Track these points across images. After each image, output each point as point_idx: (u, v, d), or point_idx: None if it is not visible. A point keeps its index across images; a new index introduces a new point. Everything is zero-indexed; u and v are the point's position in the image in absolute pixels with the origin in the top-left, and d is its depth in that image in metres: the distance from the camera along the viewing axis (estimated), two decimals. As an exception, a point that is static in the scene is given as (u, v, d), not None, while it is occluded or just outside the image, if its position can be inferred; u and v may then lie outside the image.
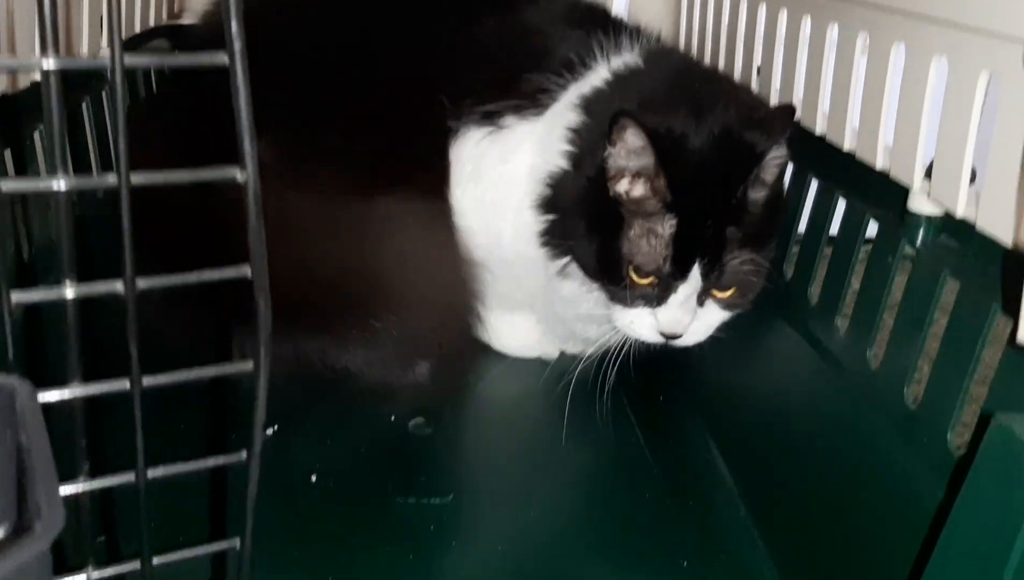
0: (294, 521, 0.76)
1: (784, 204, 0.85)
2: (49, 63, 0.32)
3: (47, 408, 0.36)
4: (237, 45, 0.34)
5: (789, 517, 0.75)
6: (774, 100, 0.91)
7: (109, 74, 0.34)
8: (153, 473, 0.40)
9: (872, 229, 0.72)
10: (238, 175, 0.36)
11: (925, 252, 0.64)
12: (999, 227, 0.56)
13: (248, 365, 0.39)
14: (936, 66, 0.62)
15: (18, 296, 0.35)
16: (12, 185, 0.34)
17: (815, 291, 0.79)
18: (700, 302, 0.81)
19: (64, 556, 0.48)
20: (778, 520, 0.77)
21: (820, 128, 0.81)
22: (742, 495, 0.82)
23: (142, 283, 0.37)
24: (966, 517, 0.44)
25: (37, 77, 0.78)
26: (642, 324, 0.82)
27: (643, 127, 0.76)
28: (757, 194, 0.79)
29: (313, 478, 0.82)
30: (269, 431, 0.87)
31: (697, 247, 0.78)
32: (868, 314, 0.68)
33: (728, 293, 0.81)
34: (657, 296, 0.80)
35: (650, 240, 0.79)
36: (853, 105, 0.75)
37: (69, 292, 0.36)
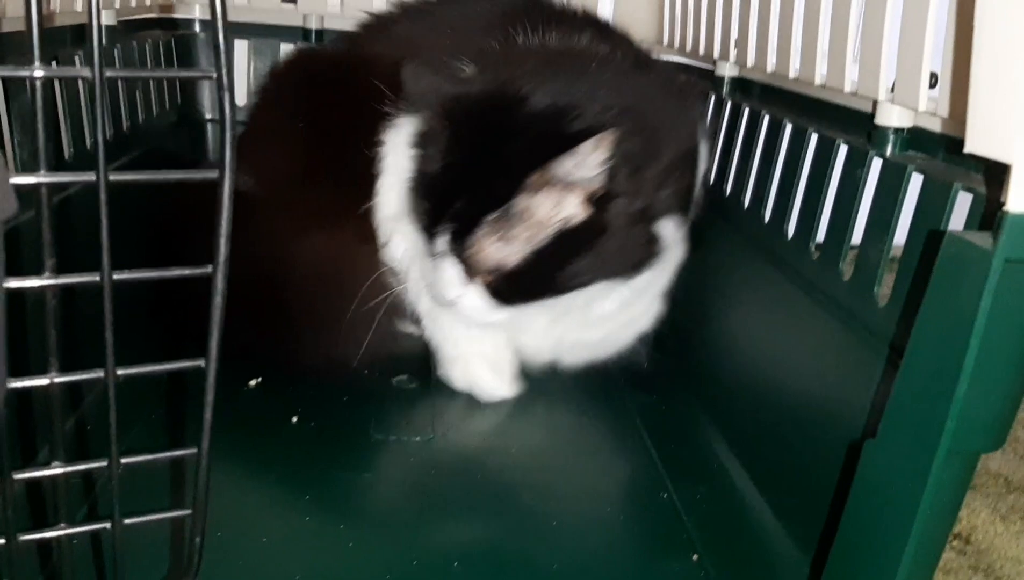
0: (276, 455, 0.77)
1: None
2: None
3: (18, 297, 0.37)
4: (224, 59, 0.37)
5: (761, 434, 0.76)
6: (751, 61, 0.93)
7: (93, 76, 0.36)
8: (122, 372, 0.42)
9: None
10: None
11: (892, 160, 0.66)
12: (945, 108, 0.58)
13: (207, 269, 0.41)
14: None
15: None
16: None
17: (790, 226, 0.80)
18: (468, 278, 0.79)
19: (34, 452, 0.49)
20: (751, 437, 0.77)
21: (793, 73, 0.83)
22: (722, 433, 0.83)
23: (114, 176, 0.38)
24: (927, 328, 0.45)
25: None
26: (431, 277, 0.82)
27: (424, 74, 0.78)
28: (545, 206, 0.75)
29: (294, 419, 0.82)
30: (253, 382, 0.88)
31: (447, 214, 0.77)
32: (839, 230, 0.69)
33: (488, 278, 0.78)
34: (435, 253, 0.80)
35: (424, 199, 0.80)
36: (821, 42, 0.77)
37: (43, 179, 0.37)
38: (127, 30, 1.07)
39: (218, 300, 0.42)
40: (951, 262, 0.43)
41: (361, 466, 0.75)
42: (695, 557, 0.67)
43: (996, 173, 0.42)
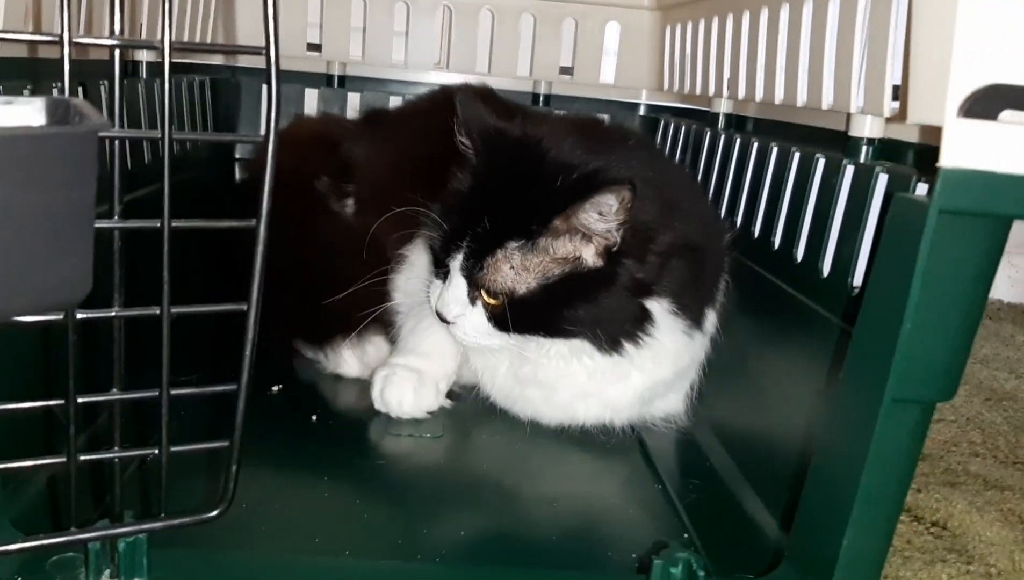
0: (297, 445, 0.82)
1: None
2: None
3: (91, 325, 0.45)
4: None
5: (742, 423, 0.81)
6: (742, 93, 1.00)
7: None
8: (176, 392, 0.49)
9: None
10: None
11: (863, 166, 0.72)
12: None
13: (243, 306, 0.48)
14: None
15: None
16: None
17: (777, 238, 0.86)
18: (472, 300, 0.83)
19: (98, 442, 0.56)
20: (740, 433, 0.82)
21: (778, 99, 0.90)
22: (712, 429, 0.88)
23: (175, 224, 0.46)
24: (878, 282, 0.51)
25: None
26: (433, 298, 0.87)
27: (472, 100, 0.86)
28: (565, 242, 0.79)
29: (313, 418, 0.87)
30: (275, 389, 0.93)
31: (466, 236, 0.82)
32: (818, 232, 0.76)
33: (493, 302, 0.82)
34: (443, 275, 0.85)
35: (447, 217, 0.85)
36: (802, 70, 0.84)
37: (117, 225, 0.45)
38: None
39: (250, 334, 0.48)
40: (898, 220, 0.49)
41: (375, 455, 0.81)
42: (685, 535, 0.72)
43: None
